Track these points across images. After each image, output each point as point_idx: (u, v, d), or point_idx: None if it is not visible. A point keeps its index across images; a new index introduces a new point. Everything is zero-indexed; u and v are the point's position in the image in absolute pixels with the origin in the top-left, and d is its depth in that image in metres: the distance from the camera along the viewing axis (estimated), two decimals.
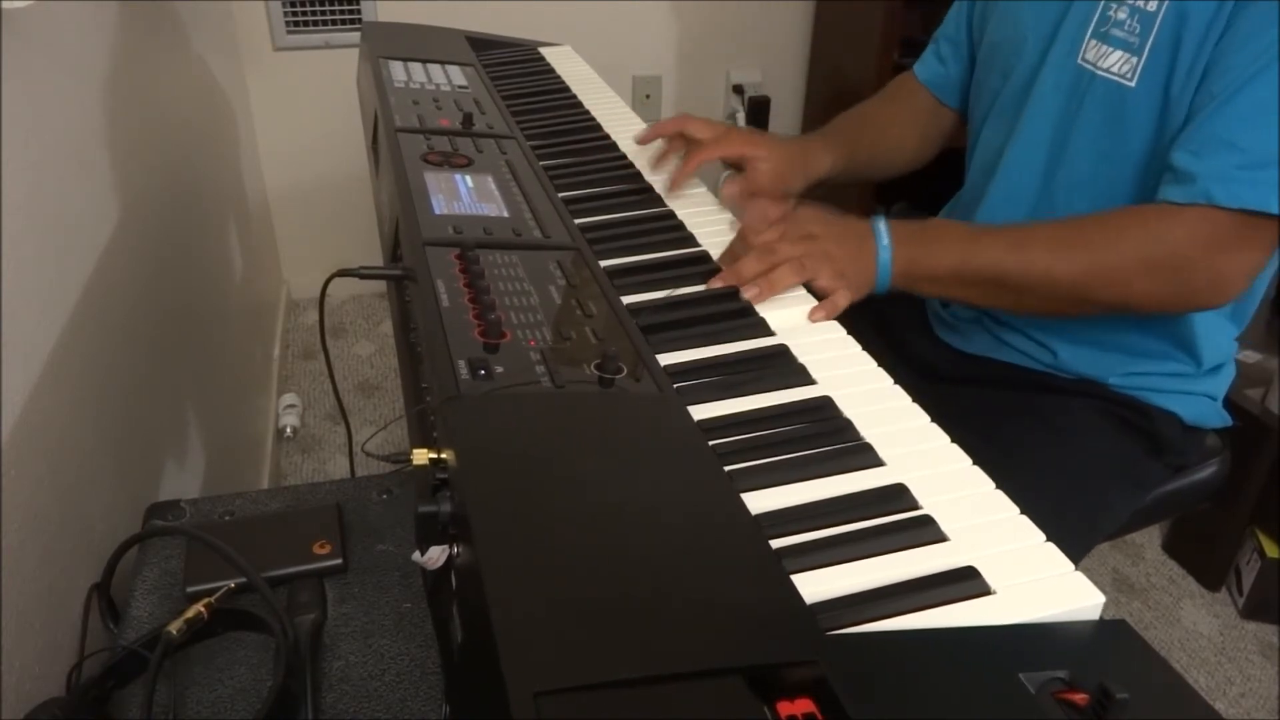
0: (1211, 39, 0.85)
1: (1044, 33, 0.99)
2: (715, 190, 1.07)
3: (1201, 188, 0.82)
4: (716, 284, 0.85)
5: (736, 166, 1.10)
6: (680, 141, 1.10)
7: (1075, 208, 0.98)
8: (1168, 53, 0.88)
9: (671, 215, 0.99)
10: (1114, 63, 0.92)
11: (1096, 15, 0.94)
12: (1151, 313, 0.96)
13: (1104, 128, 0.94)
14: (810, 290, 0.86)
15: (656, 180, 1.08)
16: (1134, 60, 0.90)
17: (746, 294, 0.83)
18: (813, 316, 0.82)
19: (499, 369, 0.66)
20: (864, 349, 0.77)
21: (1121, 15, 0.91)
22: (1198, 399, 1.03)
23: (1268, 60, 0.81)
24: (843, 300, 0.84)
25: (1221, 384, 1.06)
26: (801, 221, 0.89)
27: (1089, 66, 0.94)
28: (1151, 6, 0.88)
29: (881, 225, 0.88)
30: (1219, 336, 1.01)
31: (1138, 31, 0.89)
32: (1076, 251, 0.87)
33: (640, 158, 1.14)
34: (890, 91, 1.26)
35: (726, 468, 0.61)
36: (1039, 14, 1.00)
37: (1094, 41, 0.94)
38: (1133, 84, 0.90)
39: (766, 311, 0.82)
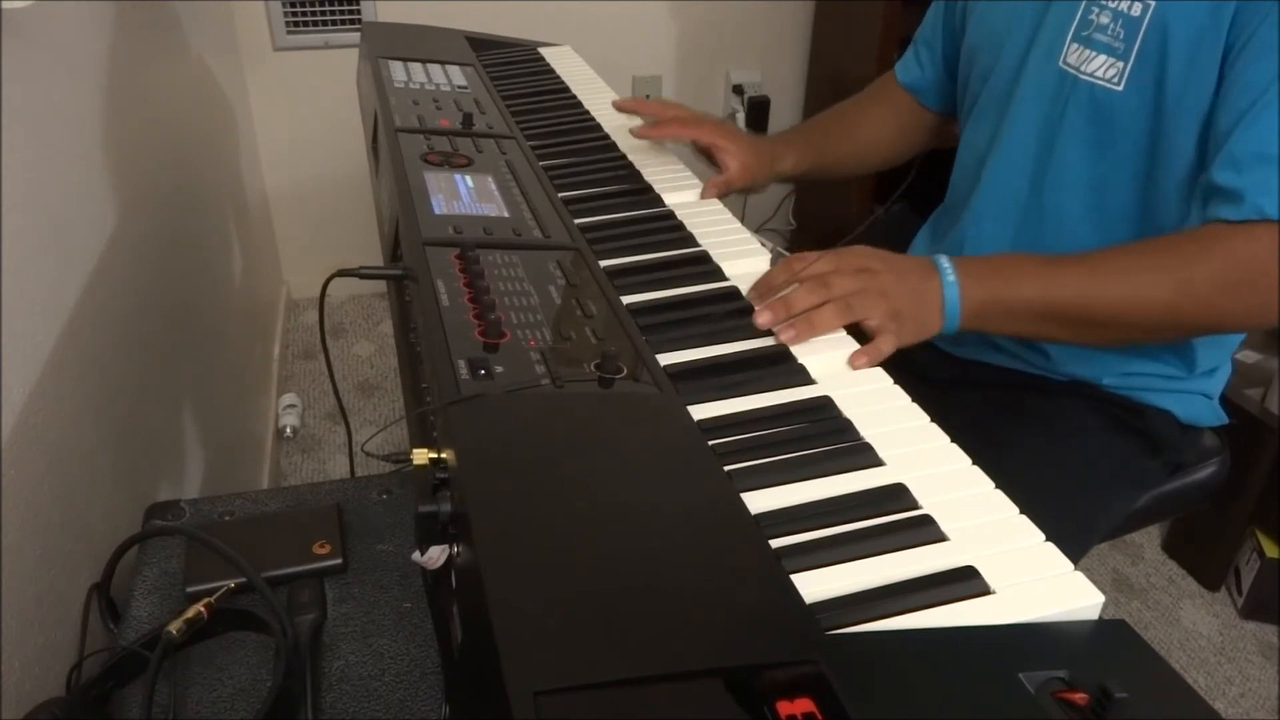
0: (1208, 47, 0.84)
1: (1022, 35, 0.99)
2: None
3: (1252, 203, 0.81)
4: (761, 318, 0.77)
5: (706, 155, 1.13)
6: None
7: (1068, 210, 0.98)
8: (1156, 58, 0.87)
9: (671, 215, 0.99)
10: (1098, 67, 0.91)
11: (1077, 19, 0.93)
12: (1246, 330, 1.00)
13: (1091, 131, 0.94)
14: (852, 330, 0.79)
15: (656, 181, 1.07)
16: (1120, 65, 0.89)
17: (782, 335, 0.76)
18: (854, 362, 0.75)
19: (499, 369, 0.66)
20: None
21: (1104, 20, 0.90)
22: (1192, 397, 1.03)
23: None
24: (887, 346, 0.77)
25: (1217, 384, 1.06)
26: (857, 254, 0.83)
27: (1071, 70, 0.93)
28: (1136, 10, 0.88)
29: (945, 261, 0.83)
30: (1216, 343, 1.01)
31: (1122, 36, 0.89)
32: (1162, 274, 0.83)
33: (639, 158, 1.14)
34: (871, 91, 1.28)
35: (726, 467, 0.61)
36: (1016, 16, 1.00)
37: (1075, 45, 0.93)
38: (1120, 88, 0.90)
39: (806, 357, 0.74)
